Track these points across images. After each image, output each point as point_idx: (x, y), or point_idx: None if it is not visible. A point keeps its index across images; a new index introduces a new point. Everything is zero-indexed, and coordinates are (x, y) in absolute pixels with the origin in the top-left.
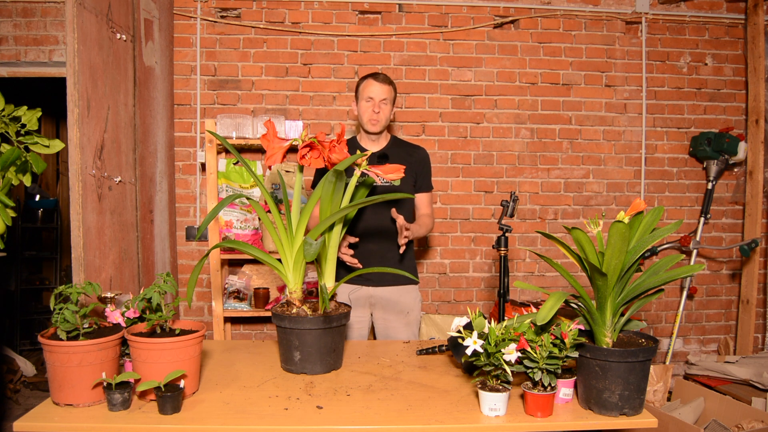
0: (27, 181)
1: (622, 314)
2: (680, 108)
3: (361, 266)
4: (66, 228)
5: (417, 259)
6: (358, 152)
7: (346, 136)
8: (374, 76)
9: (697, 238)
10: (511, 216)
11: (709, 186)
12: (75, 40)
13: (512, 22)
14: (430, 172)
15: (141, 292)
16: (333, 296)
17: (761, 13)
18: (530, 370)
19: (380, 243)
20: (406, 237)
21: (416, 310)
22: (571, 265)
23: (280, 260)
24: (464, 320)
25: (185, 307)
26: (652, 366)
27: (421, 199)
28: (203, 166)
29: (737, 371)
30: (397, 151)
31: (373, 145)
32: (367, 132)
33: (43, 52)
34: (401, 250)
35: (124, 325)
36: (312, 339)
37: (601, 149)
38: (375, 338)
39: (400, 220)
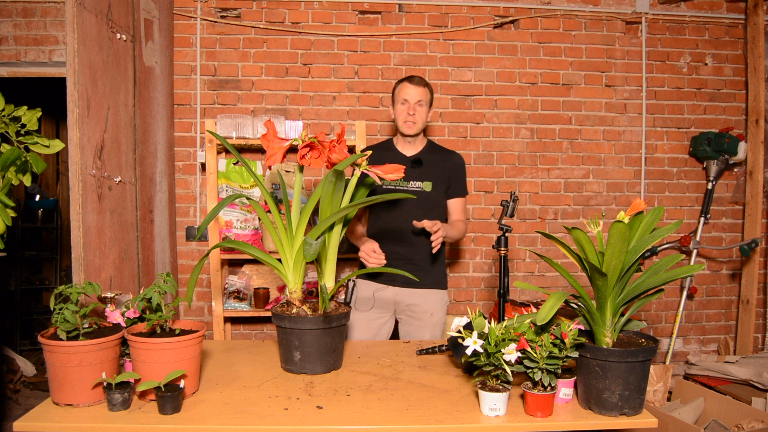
0: (27, 181)
1: (622, 314)
2: (680, 108)
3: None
4: (66, 228)
5: None
6: (358, 152)
7: (346, 137)
8: (409, 79)
9: (697, 238)
10: (511, 216)
11: (709, 186)
12: (75, 40)
13: (512, 22)
14: (464, 178)
15: (141, 292)
16: (333, 296)
17: (761, 13)
18: (530, 370)
19: (407, 246)
20: (437, 236)
21: (440, 312)
22: (571, 265)
23: (280, 260)
24: (464, 320)
25: (185, 307)
26: (652, 366)
27: (454, 204)
28: (203, 166)
29: (737, 371)
30: (432, 156)
31: (409, 149)
32: (403, 135)
33: (43, 52)
34: (434, 251)
35: (124, 325)
36: (312, 339)
37: (601, 149)
38: (398, 338)
39: (425, 224)
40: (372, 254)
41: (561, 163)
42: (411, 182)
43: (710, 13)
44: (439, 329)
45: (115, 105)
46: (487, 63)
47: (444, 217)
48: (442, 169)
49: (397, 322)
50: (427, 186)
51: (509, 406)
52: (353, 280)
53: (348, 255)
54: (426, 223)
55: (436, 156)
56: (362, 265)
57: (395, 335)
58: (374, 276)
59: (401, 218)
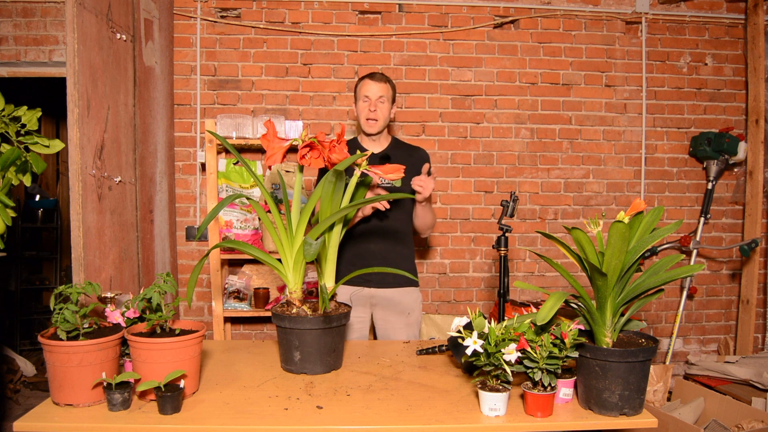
0: (27, 181)
1: (622, 314)
2: (680, 108)
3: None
4: (66, 228)
5: (417, 259)
6: (359, 152)
7: (348, 137)
8: (370, 75)
9: (697, 238)
10: (511, 216)
11: (709, 186)
12: (75, 40)
13: (512, 22)
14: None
15: (141, 292)
16: (333, 296)
17: (761, 13)
18: (530, 370)
19: (381, 243)
20: (427, 184)
21: (417, 311)
22: (571, 265)
23: (280, 260)
24: (464, 320)
25: (185, 307)
26: (652, 366)
27: None
28: (203, 166)
29: (737, 371)
30: (398, 152)
31: (374, 146)
32: (365, 134)
33: (43, 52)
34: (419, 195)
35: (124, 325)
36: (312, 339)
37: (601, 149)
38: (375, 338)
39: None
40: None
41: (561, 163)
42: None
43: (710, 13)
44: (416, 328)
45: (115, 105)
46: (487, 63)
47: (411, 212)
48: (410, 164)
49: (373, 326)
50: (397, 182)
51: (509, 406)
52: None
53: None
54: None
55: (402, 152)
56: (337, 275)
57: (372, 337)
58: (348, 280)
59: (374, 217)
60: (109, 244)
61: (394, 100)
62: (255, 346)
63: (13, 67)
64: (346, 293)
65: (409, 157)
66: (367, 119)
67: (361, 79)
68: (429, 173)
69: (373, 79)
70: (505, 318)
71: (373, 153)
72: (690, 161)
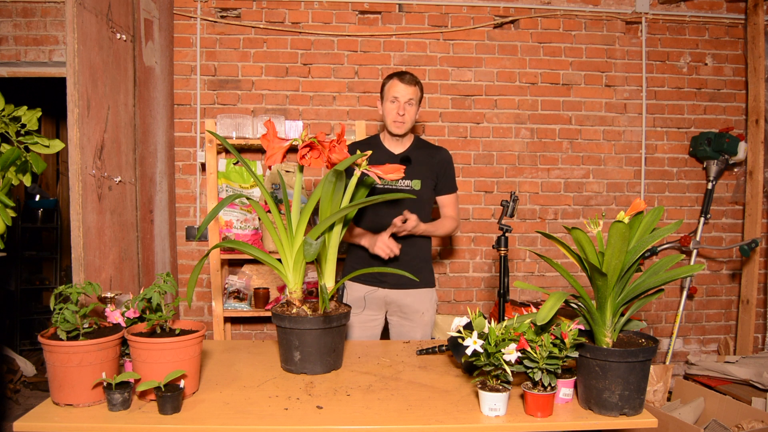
0: (27, 181)
1: (622, 314)
2: (680, 108)
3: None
4: (66, 228)
5: None
6: (358, 152)
7: (348, 137)
8: (400, 76)
9: (697, 238)
10: (511, 216)
11: (709, 186)
12: (75, 40)
13: (512, 22)
14: (453, 174)
15: (141, 292)
16: (333, 296)
17: (761, 13)
18: (530, 370)
19: (399, 244)
20: (404, 227)
21: (431, 312)
22: (571, 265)
23: (280, 260)
24: (464, 320)
25: (185, 307)
26: (652, 366)
27: (443, 201)
28: (203, 166)
29: (737, 371)
30: (419, 153)
31: (397, 146)
32: (391, 134)
33: (43, 52)
34: (396, 230)
35: (124, 325)
36: (312, 339)
37: (601, 149)
38: (389, 339)
39: (398, 220)
40: (389, 248)
41: (561, 163)
42: (401, 181)
43: (710, 13)
44: (429, 328)
45: (115, 105)
46: (487, 63)
47: (430, 213)
48: (430, 166)
49: (387, 323)
50: (416, 184)
51: (509, 406)
52: (343, 284)
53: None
54: (399, 219)
55: (424, 152)
56: (348, 269)
57: (385, 334)
58: (364, 279)
59: (391, 218)
60: (109, 244)
61: (420, 102)
62: (255, 346)
63: (13, 67)
64: (360, 292)
65: (430, 157)
66: (395, 121)
67: (390, 78)
68: (405, 221)
69: (403, 81)
70: (505, 318)
71: (394, 153)
72: (690, 161)
